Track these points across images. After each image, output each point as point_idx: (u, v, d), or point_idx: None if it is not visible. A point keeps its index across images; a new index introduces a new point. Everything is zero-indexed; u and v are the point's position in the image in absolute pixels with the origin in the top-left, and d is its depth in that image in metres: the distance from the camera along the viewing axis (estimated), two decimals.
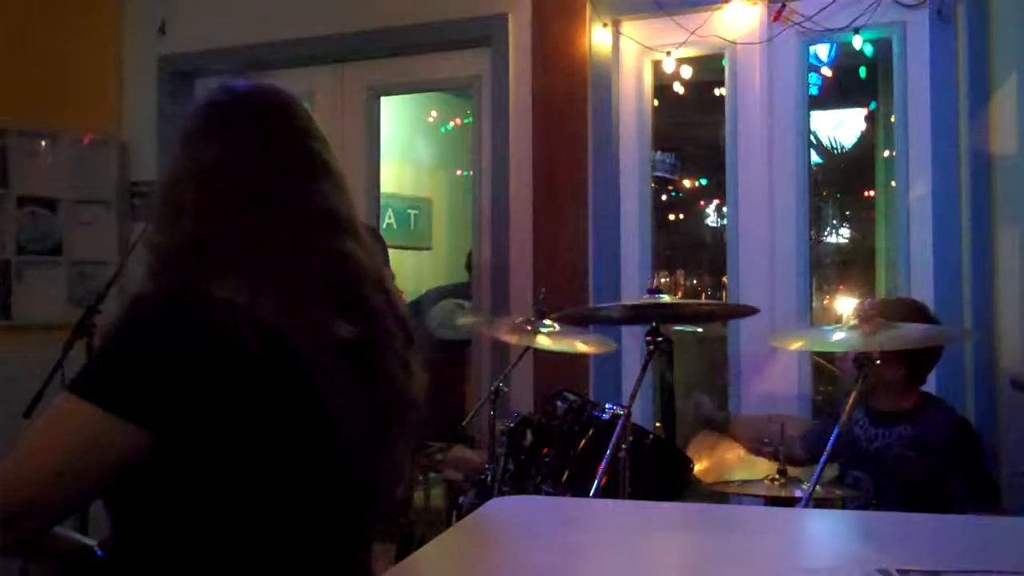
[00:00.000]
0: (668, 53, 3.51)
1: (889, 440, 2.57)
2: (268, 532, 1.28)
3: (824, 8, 3.24)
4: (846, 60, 4.16)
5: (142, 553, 1.29)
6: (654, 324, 2.36)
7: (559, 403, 2.58)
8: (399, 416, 1.41)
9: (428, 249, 6.16)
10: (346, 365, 1.32)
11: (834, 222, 6.00)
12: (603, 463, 2.17)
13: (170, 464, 1.23)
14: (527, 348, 2.86)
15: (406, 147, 5.93)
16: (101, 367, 1.27)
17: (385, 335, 1.40)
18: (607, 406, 2.55)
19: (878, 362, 2.19)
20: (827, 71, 4.12)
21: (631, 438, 2.25)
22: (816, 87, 4.05)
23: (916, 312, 2.56)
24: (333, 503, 1.34)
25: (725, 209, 3.62)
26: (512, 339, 2.83)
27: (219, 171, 1.35)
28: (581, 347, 2.89)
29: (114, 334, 1.28)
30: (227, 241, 1.32)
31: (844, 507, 2.49)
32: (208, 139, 1.38)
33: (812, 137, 3.77)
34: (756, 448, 2.89)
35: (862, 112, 5.43)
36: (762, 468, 2.79)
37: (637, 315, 2.66)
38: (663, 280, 5.51)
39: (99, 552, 1.38)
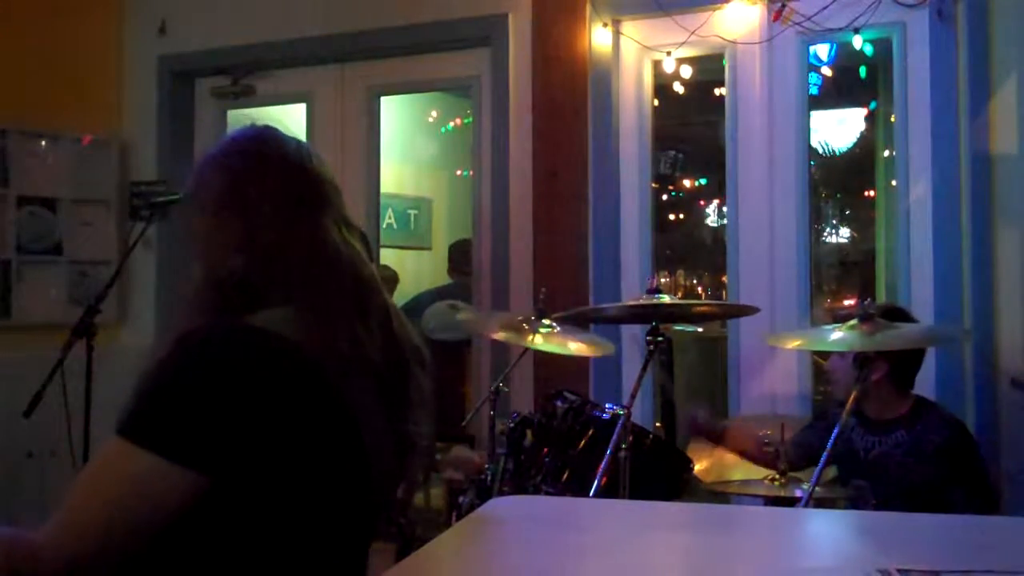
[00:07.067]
0: (668, 53, 3.51)
1: (887, 447, 2.56)
2: (289, 554, 1.27)
3: (824, 8, 3.24)
4: (846, 60, 4.16)
5: (158, 571, 1.27)
6: (654, 324, 2.35)
7: (559, 403, 2.58)
8: (419, 441, 1.41)
9: (428, 249, 6.16)
10: (377, 395, 1.33)
11: (834, 222, 5.99)
12: (603, 463, 2.17)
13: (212, 499, 1.20)
14: (527, 348, 2.86)
15: (406, 147, 5.93)
16: (152, 410, 1.20)
17: (407, 360, 1.40)
18: (607, 406, 2.55)
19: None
20: (827, 71, 4.12)
21: (631, 438, 2.25)
22: (816, 87, 4.04)
23: (896, 315, 2.53)
24: (354, 527, 1.35)
25: (725, 209, 3.62)
26: (510, 337, 2.82)
27: (261, 207, 1.34)
28: (580, 348, 2.89)
29: (163, 373, 1.22)
30: (271, 275, 1.31)
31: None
32: (246, 178, 1.36)
33: (812, 137, 3.75)
34: (753, 457, 2.88)
35: (862, 112, 5.42)
36: (762, 468, 2.79)
37: (637, 315, 2.66)
38: (663, 280, 5.51)
39: None
